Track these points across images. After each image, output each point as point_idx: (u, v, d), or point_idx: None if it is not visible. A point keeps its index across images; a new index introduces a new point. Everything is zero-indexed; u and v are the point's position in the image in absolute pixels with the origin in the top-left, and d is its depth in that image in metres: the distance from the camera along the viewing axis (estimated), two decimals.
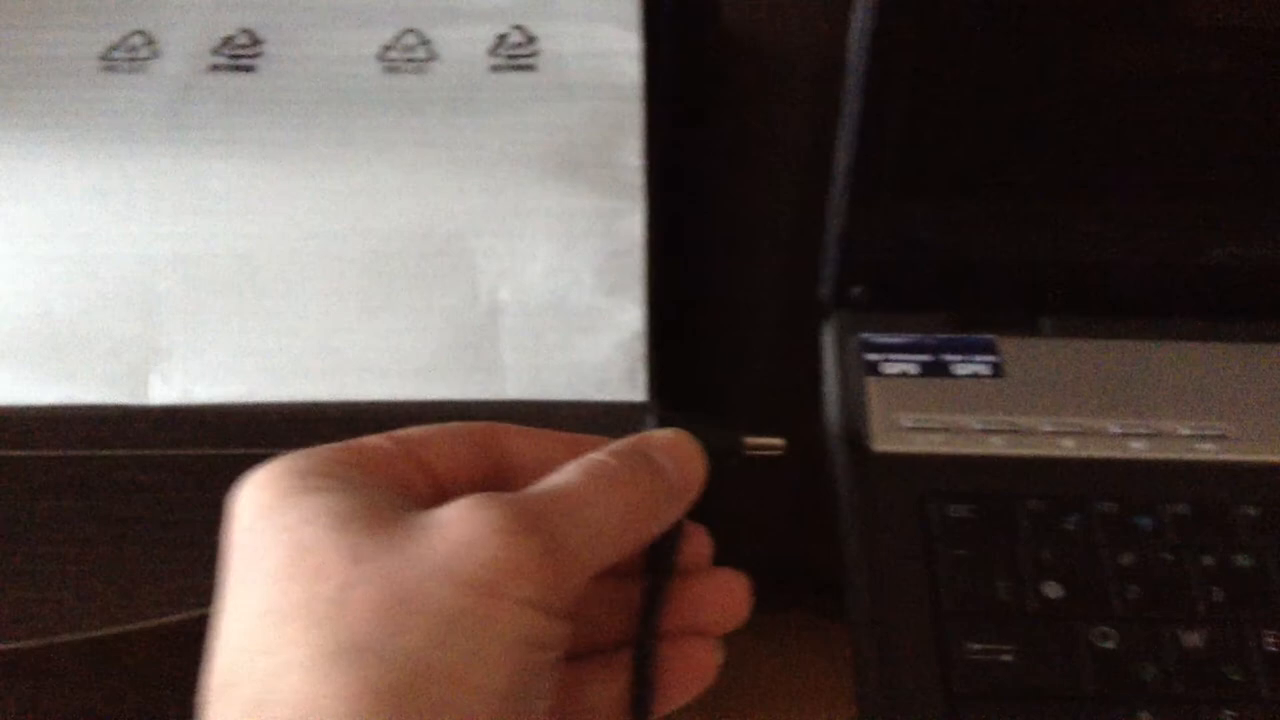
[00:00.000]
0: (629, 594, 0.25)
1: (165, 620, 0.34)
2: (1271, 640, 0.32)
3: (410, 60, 0.44)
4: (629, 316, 0.39)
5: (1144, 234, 0.39)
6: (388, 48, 0.45)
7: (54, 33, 0.45)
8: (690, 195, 0.47)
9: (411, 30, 0.45)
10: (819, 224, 0.39)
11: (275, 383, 0.39)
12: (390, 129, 0.41)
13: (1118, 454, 0.36)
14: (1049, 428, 0.36)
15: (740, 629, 0.26)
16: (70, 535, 0.35)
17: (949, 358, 0.38)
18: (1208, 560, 0.33)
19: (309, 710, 0.19)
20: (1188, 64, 0.37)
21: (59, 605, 0.34)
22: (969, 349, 0.38)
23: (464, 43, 0.45)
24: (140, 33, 0.45)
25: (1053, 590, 0.33)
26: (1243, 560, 0.33)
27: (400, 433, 0.23)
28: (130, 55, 0.44)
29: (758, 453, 0.26)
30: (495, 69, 0.44)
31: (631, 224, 0.40)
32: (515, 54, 0.44)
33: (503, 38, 0.45)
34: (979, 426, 0.36)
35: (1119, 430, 0.36)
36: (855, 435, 0.36)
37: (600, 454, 0.23)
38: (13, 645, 0.33)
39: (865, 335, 0.38)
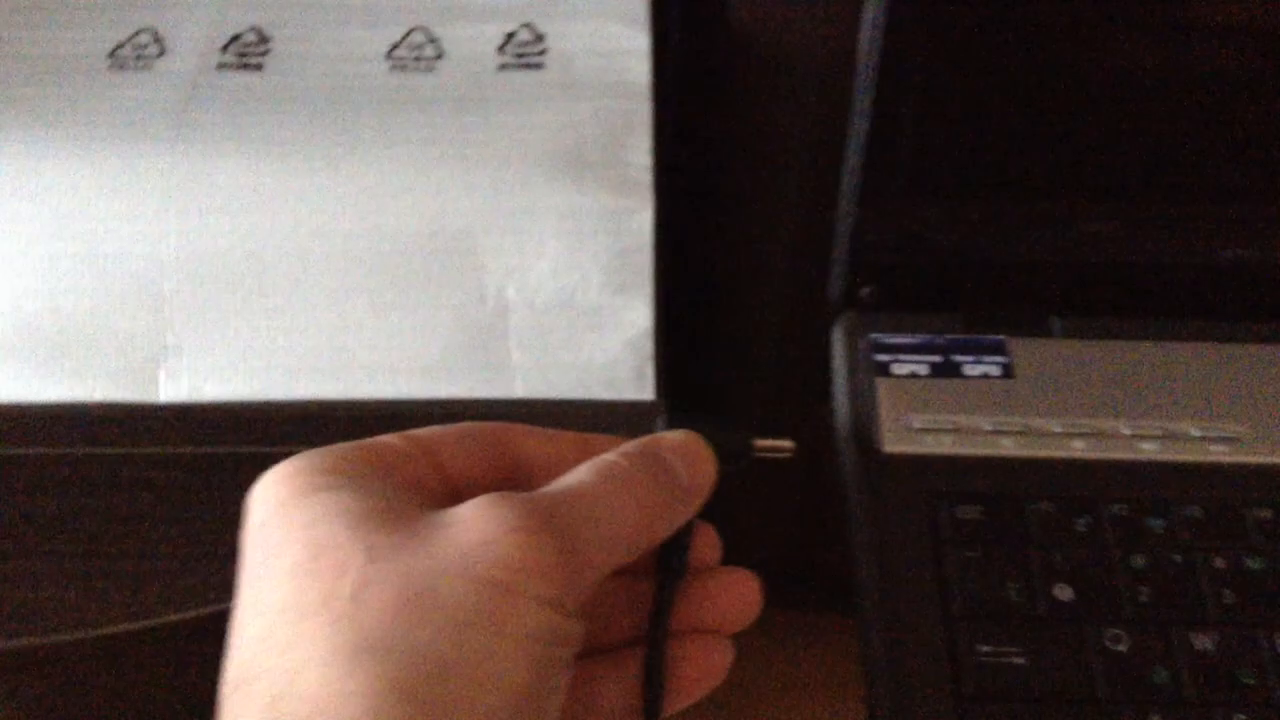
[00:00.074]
0: (640, 593, 0.25)
1: (173, 619, 0.34)
2: None
3: (418, 59, 0.44)
4: (637, 315, 0.39)
5: (1155, 234, 0.39)
6: (395, 46, 0.45)
7: (62, 31, 0.45)
8: (698, 194, 0.46)
9: (419, 29, 0.45)
10: (828, 223, 0.39)
11: (283, 381, 0.38)
12: (398, 128, 0.41)
13: (1129, 455, 0.35)
14: (1059, 429, 0.36)
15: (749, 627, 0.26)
16: (78, 533, 0.35)
17: (959, 358, 0.37)
18: (1220, 563, 0.33)
19: (327, 706, 0.19)
20: (1200, 63, 0.37)
21: (66, 603, 0.34)
22: (979, 349, 0.38)
23: (472, 41, 0.45)
24: (148, 31, 0.45)
25: (1063, 592, 0.32)
26: (1255, 563, 0.33)
27: (414, 432, 0.24)
28: (138, 53, 0.44)
29: (767, 455, 0.27)
30: (503, 67, 0.44)
31: (640, 223, 0.40)
32: (523, 52, 0.44)
33: (511, 36, 0.45)
34: (989, 427, 0.36)
35: (1130, 432, 0.36)
36: (865, 436, 0.36)
37: (612, 455, 0.24)
38: (19, 643, 0.33)
39: (875, 336, 0.38)
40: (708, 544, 0.26)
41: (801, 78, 0.44)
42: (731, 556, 0.26)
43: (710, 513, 0.25)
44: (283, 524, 0.21)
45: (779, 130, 0.45)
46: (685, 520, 0.25)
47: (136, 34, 0.45)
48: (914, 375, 0.37)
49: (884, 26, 0.35)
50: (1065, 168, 0.38)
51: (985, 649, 0.31)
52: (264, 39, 0.45)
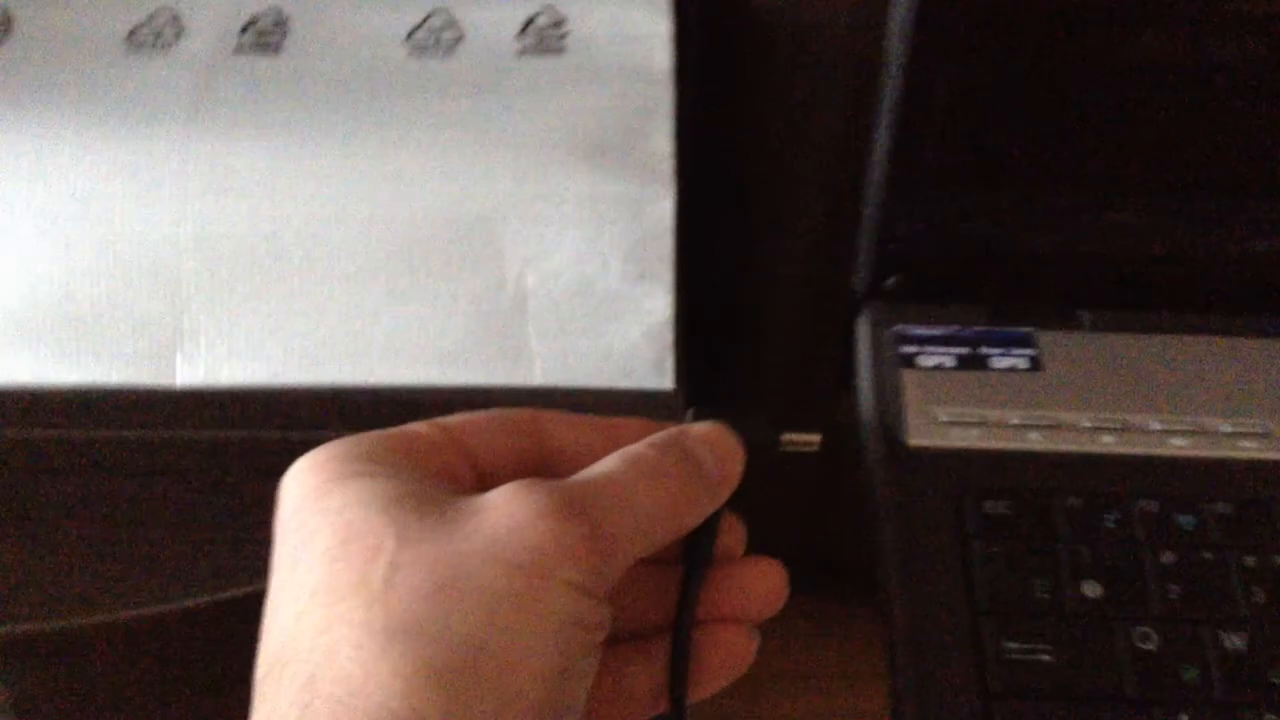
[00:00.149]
0: (667, 581, 0.26)
1: (188, 604, 0.34)
2: None
3: (438, 42, 0.44)
4: (657, 304, 0.39)
5: (1186, 226, 0.38)
6: (415, 29, 0.44)
7: (79, 12, 0.44)
8: (720, 181, 0.46)
9: (439, 11, 0.45)
10: (852, 211, 0.39)
11: (300, 366, 0.38)
12: (417, 112, 0.41)
13: (1158, 451, 0.35)
14: (1088, 423, 0.35)
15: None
16: (94, 517, 0.35)
17: (986, 350, 0.37)
18: (1250, 560, 0.33)
19: (361, 688, 0.19)
20: (1232, 53, 0.36)
21: (82, 587, 0.34)
22: (1007, 342, 0.37)
23: (492, 25, 0.44)
24: (166, 12, 0.45)
25: (1091, 589, 0.32)
26: None
27: (442, 420, 0.24)
28: (156, 35, 0.44)
29: (794, 448, 0.26)
30: (523, 52, 0.43)
31: (661, 210, 0.39)
32: (544, 37, 0.44)
33: (531, 20, 0.44)
34: (1017, 421, 0.35)
35: (1159, 426, 0.35)
36: (890, 429, 0.35)
37: (641, 446, 0.24)
38: (35, 627, 0.33)
39: (900, 327, 0.38)
40: (733, 533, 0.26)
41: (826, 63, 0.43)
42: (751, 545, 0.27)
43: (730, 501, 0.25)
44: (316, 510, 0.22)
45: (802, 116, 0.45)
46: (712, 510, 0.25)
47: (154, 15, 0.44)
48: (940, 367, 0.36)
49: (915, 11, 0.34)
50: (1095, 158, 0.38)
51: (1012, 646, 0.31)
52: (282, 21, 0.44)
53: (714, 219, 0.46)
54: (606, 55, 0.43)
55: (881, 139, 0.36)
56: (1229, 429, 0.36)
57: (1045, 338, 0.38)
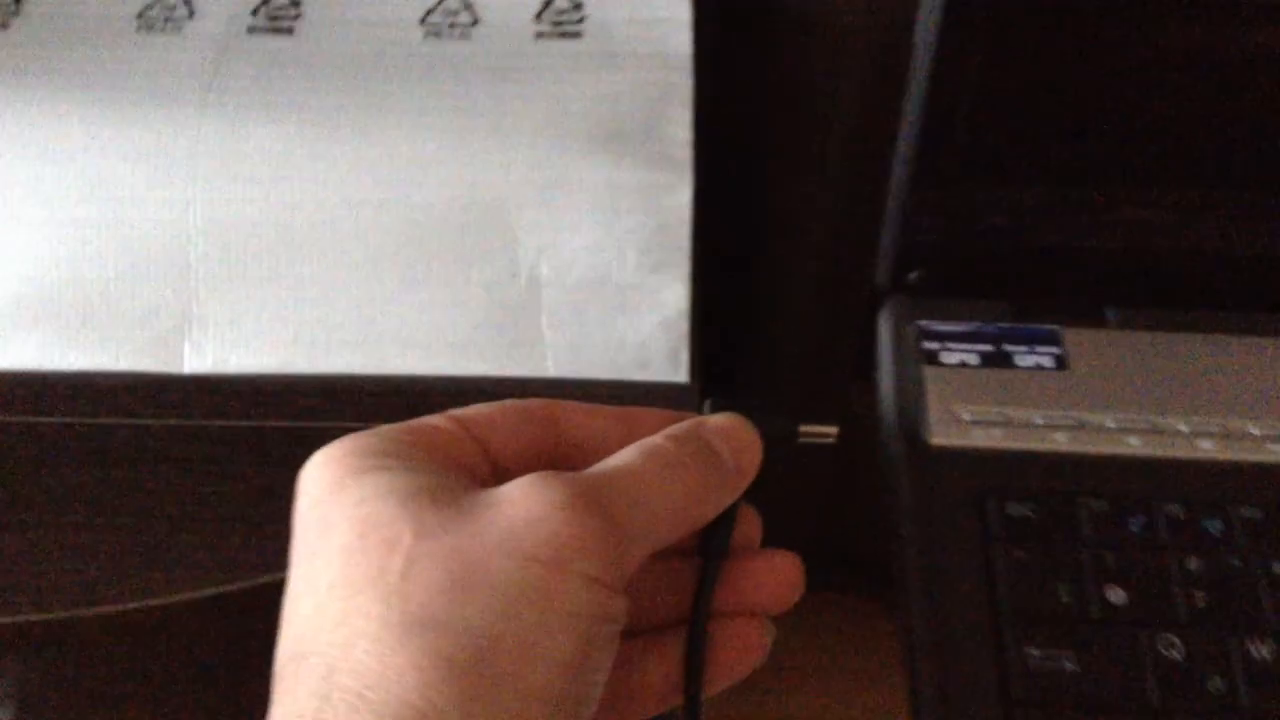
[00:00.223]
0: (683, 573, 0.26)
1: (192, 596, 0.34)
2: None
3: (453, 25, 0.43)
4: (673, 295, 0.38)
5: (1215, 222, 0.38)
6: (430, 12, 0.43)
7: None
8: (738, 170, 0.45)
9: None
10: (873, 203, 0.38)
11: (310, 354, 0.38)
12: (431, 96, 0.40)
13: (1186, 453, 0.34)
14: (1114, 424, 0.34)
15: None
16: (98, 505, 0.35)
17: (1011, 348, 0.36)
18: (1279, 568, 0.32)
19: (379, 680, 0.20)
20: (1266, 46, 0.35)
21: (85, 577, 0.34)
22: (1031, 339, 0.36)
23: (508, 7, 0.43)
24: None
25: (1116, 595, 0.31)
26: None
27: (458, 412, 0.24)
28: (167, 15, 0.43)
29: (811, 440, 0.27)
30: (540, 35, 0.43)
31: (678, 199, 0.39)
32: (561, 20, 0.43)
33: (549, 3, 0.44)
34: (1041, 421, 0.34)
35: (1187, 429, 0.35)
36: (911, 427, 0.35)
37: (658, 438, 0.24)
38: (37, 618, 0.33)
39: (923, 322, 0.37)
40: (750, 525, 0.26)
41: (850, 51, 0.43)
42: (767, 537, 0.26)
43: (746, 493, 0.25)
44: (334, 504, 0.22)
45: (823, 105, 0.44)
46: (730, 503, 0.25)
47: None
48: (964, 365, 0.36)
49: (942, 8, 0.33)
50: (1122, 152, 0.37)
51: (1035, 652, 0.30)
52: (296, 2, 0.44)
53: (731, 209, 0.45)
54: (625, 40, 0.42)
55: (907, 131, 0.36)
56: (1258, 432, 0.35)
57: (1071, 335, 0.37)
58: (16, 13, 0.43)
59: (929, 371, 0.36)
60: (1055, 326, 0.37)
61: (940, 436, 0.34)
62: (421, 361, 0.38)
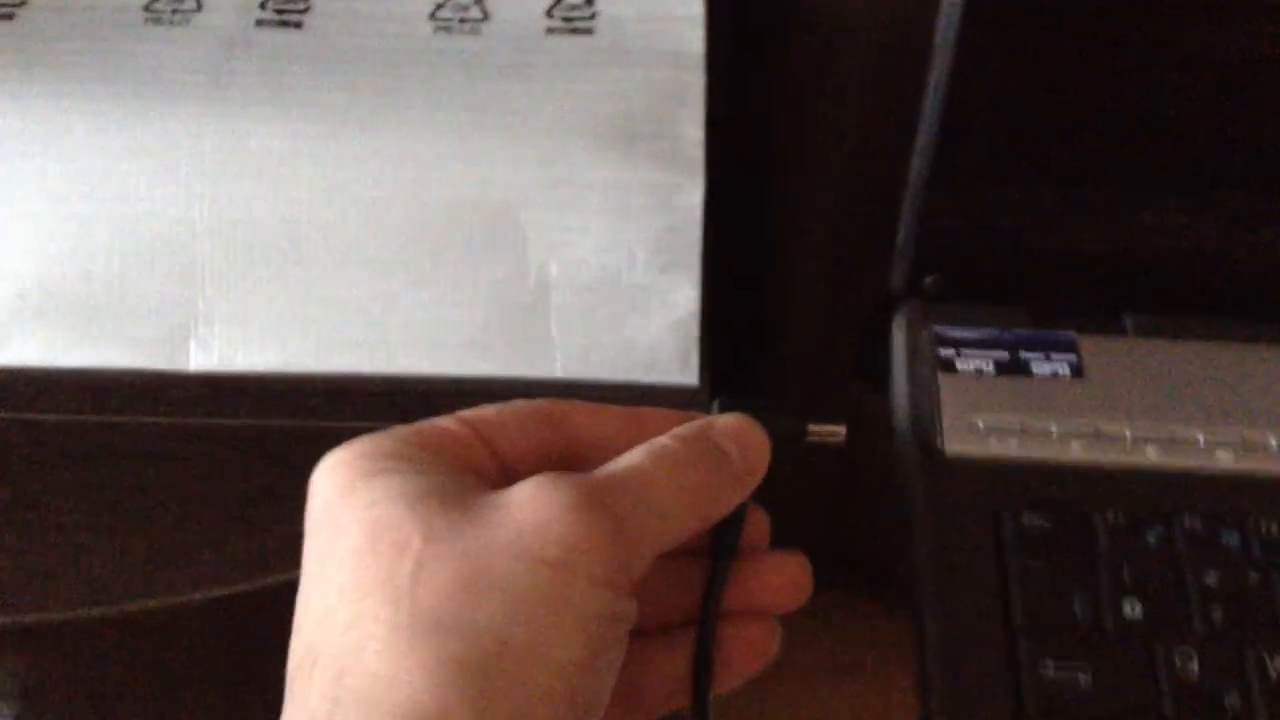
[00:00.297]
0: (692, 574, 0.26)
1: (197, 597, 0.33)
2: None
3: (463, 20, 0.43)
4: (684, 296, 0.38)
5: (1237, 229, 0.37)
6: (440, 6, 0.43)
7: None
8: (751, 171, 0.45)
9: None
10: (888, 206, 0.38)
11: (317, 353, 0.38)
12: (440, 92, 0.40)
13: (1204, 465, 0.34)
14: (1131, 434, 0.34)
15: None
16: (102, 504, 0.35)
17: (1027, 355, 0.36)
18: None
19: (389, 683, 0.20)
20: None
21: (88, 576, 0.33)
22: (1048, 346, 0.36)
23: (519, 3, 0.43)
24: None
25: (1132, 608, 0.31)
26: None
27: (467, 414, 0.24)
28: (174, 8, 0.43)
29: (820, 439, 0.26)
30: (551, 31, 0.42)
31: (690, 199, 0.38)
32: (572, 16, 0.43)
33: None
34: (1057, 430, 0.34)
35: (1206, 439, 0.34)
36: (925, 435, 0.34)
37: (667, 438, 0.24)
38: (42, 617, 0.33)
39: (938, 328, 0.37)
40: (758, 526, 0.26)
41: (862, 48, 0.42)
42: (775, 538, 0.26)
43: (755, 493, 0.25)
44: (344, 507, 0.22)
45: (837, 104, 0.43)
46: (738, 503, 0.25)
47: None
48: (979, 372, 0.35)
49: (962, 8, 0.33)
50: (1142, 156, 0.37)
51: (1049, 665, 0.30)
52: None
53: (743, 209, 0.45)
54: (637, 37, 0.42)
55: (925, 135, 0.35)
56: (1277, 443, 0.34)
57: (1088, 343, 0.36)
58: (22, 4, 0.43)
59: (944, 378, 0.35)
60: (1072, 333, 0.37)
61: (954, 445, 0.34)
62: (429, 361, 0.38)
